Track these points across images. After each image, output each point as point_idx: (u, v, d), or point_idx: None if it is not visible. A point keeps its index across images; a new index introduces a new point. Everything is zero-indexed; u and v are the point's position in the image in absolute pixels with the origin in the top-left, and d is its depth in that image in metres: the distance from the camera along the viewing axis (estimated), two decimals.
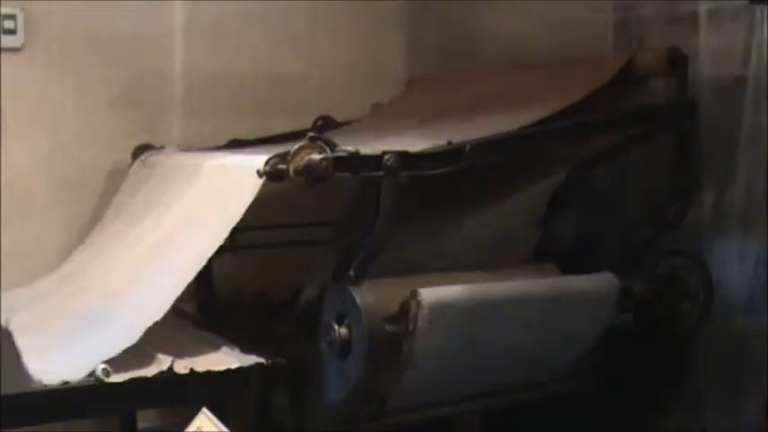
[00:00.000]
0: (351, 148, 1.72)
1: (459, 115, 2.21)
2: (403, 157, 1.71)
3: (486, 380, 1.90)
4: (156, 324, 1.75)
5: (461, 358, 1.79)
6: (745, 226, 1.99)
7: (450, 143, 1.81)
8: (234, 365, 1.81)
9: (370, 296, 1.69)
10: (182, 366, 1.76)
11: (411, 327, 1.68)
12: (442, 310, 1.70)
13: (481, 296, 1.77)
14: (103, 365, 1.67)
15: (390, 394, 1.77)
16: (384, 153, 1.70)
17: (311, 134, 1.73)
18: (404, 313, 1.69)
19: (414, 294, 1.69)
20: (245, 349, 1.91)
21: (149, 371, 1.74)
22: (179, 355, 1.87)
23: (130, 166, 2.44)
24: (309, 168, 1.66)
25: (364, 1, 2.90)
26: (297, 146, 1.69)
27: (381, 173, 1.70)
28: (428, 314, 1.68)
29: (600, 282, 1.93)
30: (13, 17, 2.40)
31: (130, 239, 2.10)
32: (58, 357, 1.74)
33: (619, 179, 2.21)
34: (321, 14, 2.84)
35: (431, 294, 1.70)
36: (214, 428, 1.62)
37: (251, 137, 2.56)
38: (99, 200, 2.56)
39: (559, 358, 1.96)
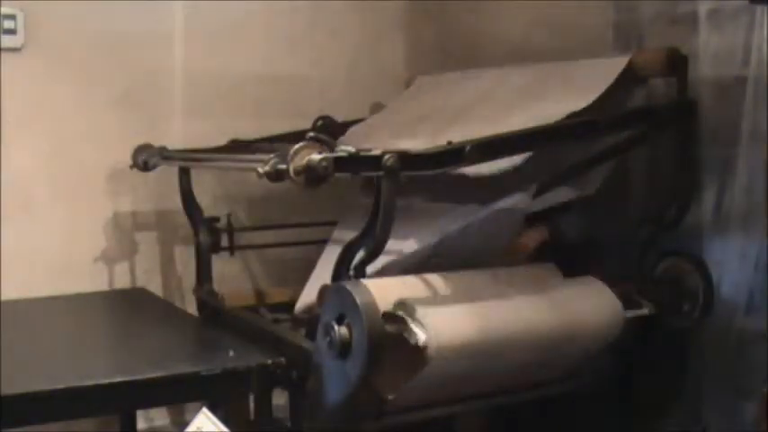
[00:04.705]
0: (351, 148, 1.72)
1: (469, 116, 2.21)
2: (403, 157, 1.71)
3: (487, 383, 1.90)
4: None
5: (465, 371, 1.79)
6: (745, 226, 1.99)
7: (450, 143, 1.81)
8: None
9: (370, 296, 1.69)
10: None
11: (416, 364, 1.68)
12: (449, 350, 1.69)
13: (489, 334, 1.75)
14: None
15: (390, 394, 1.77)
16: (384, 153, 1.70)
17: (311, 134, 1.73)
18: (410, 350, 1.68)
19: (414, 317, 1.68)
20: (246, 349, 1.91)
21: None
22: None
23: (131, 166, 2.45)
24: (309, 168, 1.66)
25: (364, 1, 2.90)
26: (297, 146, 1.68)
27: (381, 173, 1.70)
28: (434, 355, 1.67)
29: (606, 307, 1.92)
30: (13, 17, 2.40)
31: None
32: None
33: (619, 179, 2.21)
34: (321, 14, 2.84)
35: (437, 336, 1.67)
36: (214, 428, 1.62)
37: (251, 137, 2.56)
38: (99, 200, 2.57)
39: (560, 366, 1.96)
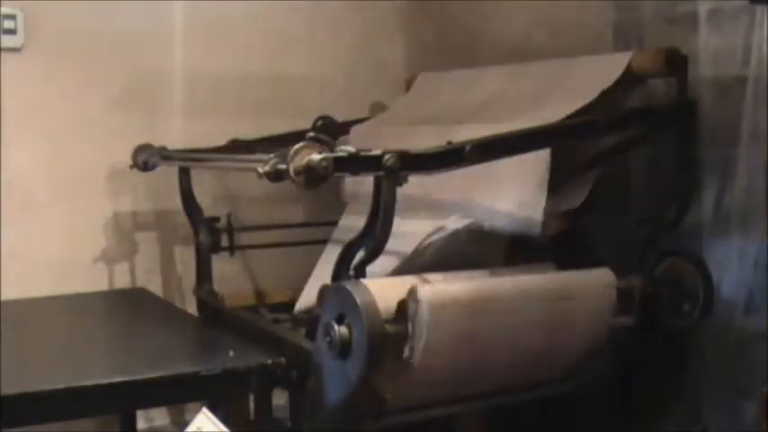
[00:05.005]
0: (350, 148, 1.72)
1: (473, 118, 2.21)
2: (403, 157, 1.71)
3: (487, 380, 1.90)
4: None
5: (461, 358, 1.79)
6: (745, 226, 1.99)
7: (450, 143, 1.81)
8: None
9: (370, 296, 1.69)
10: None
11: (411, 326, 1.68)
12: (442, 307, 1.70)
13: (480, 293, 1.77)
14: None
15: (390, 394, 1.77)
16: (384, 153, 1.70)
17: (311, 134, 1.73)
18: (403, 312, 1.69)
19: (412, 293, 1.68)
20: (246, 349, 1.91)
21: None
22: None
23: (131, 166, 2.45)
24: (309, 168, 1.66)
25: (364, 1, 2.90)
26: (297, 146, 1.68)
27: (381, 173, 1.70)
28: (428, 313, 1.67)
29: (598, 277, 1.93)
30: (13, 17, 2.40)
31: None
32: None
33: (619, 179, 2.21)
34: (321, 15, 2.84)
35: (430, 293, 1.69)
36: (214, 428, 1.62)
37: (251, 137, 2.57)
38: (99, 200, 2.57)
39: (561, 355, 1.96)
